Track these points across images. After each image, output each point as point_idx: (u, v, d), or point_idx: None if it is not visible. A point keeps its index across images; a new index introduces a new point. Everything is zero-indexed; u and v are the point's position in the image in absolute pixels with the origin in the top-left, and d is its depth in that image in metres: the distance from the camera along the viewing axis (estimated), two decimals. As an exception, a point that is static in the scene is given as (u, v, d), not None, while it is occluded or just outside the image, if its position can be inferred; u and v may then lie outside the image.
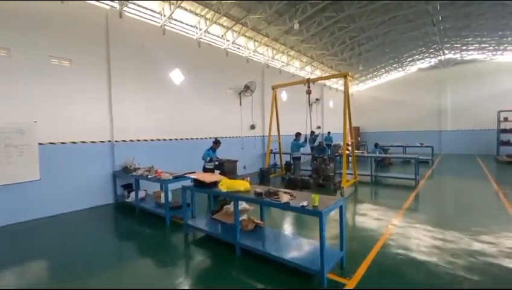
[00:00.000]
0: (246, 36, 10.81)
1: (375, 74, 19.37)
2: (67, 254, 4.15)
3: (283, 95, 13.76)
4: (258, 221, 4.17)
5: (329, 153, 9.50)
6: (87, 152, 6.71)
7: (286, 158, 11.43)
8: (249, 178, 4.36)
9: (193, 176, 4.60)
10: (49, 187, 6.06)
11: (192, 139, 9.25)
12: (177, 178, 5.36)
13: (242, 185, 3.92)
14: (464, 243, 4.08)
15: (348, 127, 8.26)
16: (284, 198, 3.19)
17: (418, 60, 17.50)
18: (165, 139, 8.42)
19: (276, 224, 5.22)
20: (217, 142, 7.05)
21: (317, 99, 16.39)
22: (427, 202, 6.74)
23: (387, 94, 20.41)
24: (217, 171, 7.23)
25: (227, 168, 6.90)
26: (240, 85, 10.87)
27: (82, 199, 6.56)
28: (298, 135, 8.74)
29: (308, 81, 8.78)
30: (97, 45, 6.83)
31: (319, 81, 17.24)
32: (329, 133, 15.39)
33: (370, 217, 5.51)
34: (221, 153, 10.11)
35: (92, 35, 6.73)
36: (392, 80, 20.32)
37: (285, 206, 3.18)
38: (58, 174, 6.23)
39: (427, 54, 16.55)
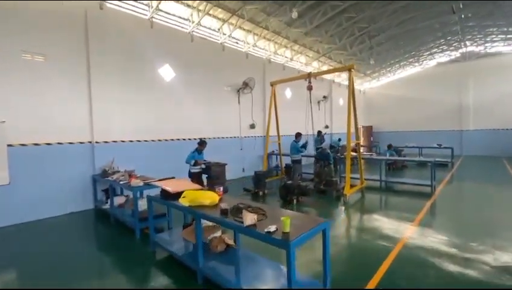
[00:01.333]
0: (244, 29, 10.09)
1: (388, 69, 18.12)
2: (15, 267, 3.61)
3: (287, 92, 12.95)
4: (230, 241, 3.44)
5: (331, 157, 8.62)
6: (64, 154, 6.23)
7: (288, 160, 10.64)
8: (221, 188, 3.65)
9: (159, 183, 3.94)
10: (20, 193, 5.62)
11: (184, 140, 8.64)
12: (148, 185, 4.72)
13: (208, 197, 3.22)
14: (492, 275, 3.18)
15: (352, 125, 7.33)
16: (248, 219, 2.45)
17: (437, 53, 16.13)
18: (153, 140, 7.86)
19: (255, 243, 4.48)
20: (202, 143, 6.39)
21: (324, 97, 15.43)
22: (444, 214, 5.76)
23: (402, 91, 19.07)
24: (204, 176, 6.63)
25: (214, 173, 6.22)
26: (238, 82, 10.17)
27: (58, 205, 6.09)
28: (298, 135, 7.93)
29: (309, 75, 7.94)
30: (75, 39, 6.33)
31: (327, 78, 16.34)
32: (339, 139, 14.40)
33: (374, 234, 4.64)
34: (218, 155, 9.46)
35: (69, 28, 6.24)
36: (407, 76, 18.97)
37: (246, 231, 2.44)
38: (31, 178, 5.78)
39: (446, 47, 15.19)
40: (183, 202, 3.22)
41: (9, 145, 5.52)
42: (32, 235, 5.05)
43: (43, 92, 5.94)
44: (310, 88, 7.91)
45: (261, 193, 7.32)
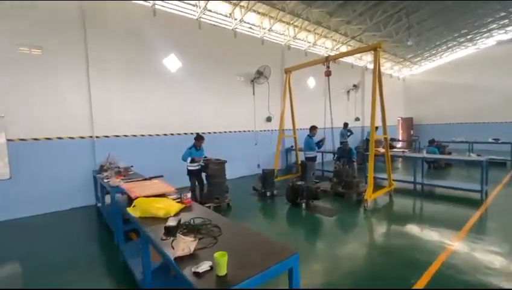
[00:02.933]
0: (257, 12, 9.20)
1: (433, 52, 15.70)
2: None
3: (310, 82, 11.80)
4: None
5: (354, 153, 7.45)
6: (65, 149, 6.13)
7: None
8: (188, 194, 2.98)
9: (126, 186, 3.41)
10: (21, 187, 5.61)
11: (192, 134, 8.15)
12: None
13: (162, 208, 2.56)
14: None
15: (376, 116, 6.14)
16: (180, 247, 1.74)
17: (497, 29, 13.45)
18: (158, 135, 7.51)
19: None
20: (198, 138, 5.80)
21: (355, 86, 13.87)
22: (497, 230, 4.42)
23: (450, 77, 16.49)
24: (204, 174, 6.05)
25: (211, 171, 5.59)
26: (252, 71, 9.37)
27: (58, 200, 6.02)
28: (313, 129, 6.93)
29: (327, 59, 6.86)
30: (72, 29, 6.11)
31: (359, 65, 14.68)
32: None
33: (394, 255, 3.62)
34: (229, 151, 8.91)
35: (65, 18, 6.02)
36: (457, 60, 16.31)
37: (174, 266, 1.72)
38: (31, 173, 5.75)
39: (508, 21, 12.53)
40: (132, 212, 2.62)
41: (9, 140, 5.52)
42: (27, 231, 4.96)
43: (41, 86, 5.83)
44: (328, 74, 6.86)
45: (268, 194, 6.54)
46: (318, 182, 7.44)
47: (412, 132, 18.01)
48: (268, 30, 9.67)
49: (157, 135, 7.49)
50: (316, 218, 5.09)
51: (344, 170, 6.76)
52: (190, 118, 8.10)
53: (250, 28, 9.49)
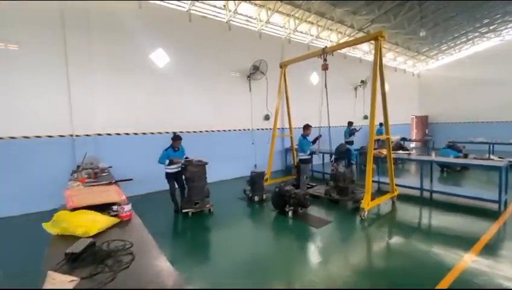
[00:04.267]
0: (254, 4, 8.63)
1: (451, 44, 14.51)
2: None
3: (313, 78, 11.11)
4: None
5: (353, 154, 6.77)
6: (43, 148, 5.87)
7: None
8: (126, 207, 2.52)
9: (68, 192, 3.00)
10: (-5, 187, 5.40)
11: (181, 132, 7.75)
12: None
13: (81, 226, 2.11)
14: None
15: (375, 114, 5.47)
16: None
17: (523, 18, 12.16)
18: (144, 134, 7.15)
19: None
20: (176, 139, 5.34)
21: (362, 82, 13.01)
22: (517, 251, 3.69)
23: (469, 72, 15.21)
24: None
25: (190, 174, 5.12)
26: (249, 67, 8.84)
27: (36, 201, 5.76)
28: (306, 128, 6.32)
29: (323, 51, 6.22)
30: (50, 21, 5.82)
31: (368, 59, 13.78)
32: (381, 124, 12.01)
33: (389, 284, 3.01)
34: (224, 150, 8.47)
35: (42, 10, 5.72)
36: (479, 53, 15.00)
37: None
38: (7, 173, 5.52)
39: (538, 8, 11.25)
40: (48, 228, 2.18)
41: (-17, 139, 5.32)
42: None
43: (19, 82, 5.58)
44: (325, 68, 6.22)
45: (256, 198, 6.02)
46: (313, 187, 6.86)
47: (426, 131, 16.86)
48: (266, 22, 9.08)
49: (143, 133, 7.13)
50: (302, 229, 4.52)
51: (341, 174, 6.12)
52: (181, 116, 7.70)
53: (247, 20, 8.94)
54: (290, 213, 4.94)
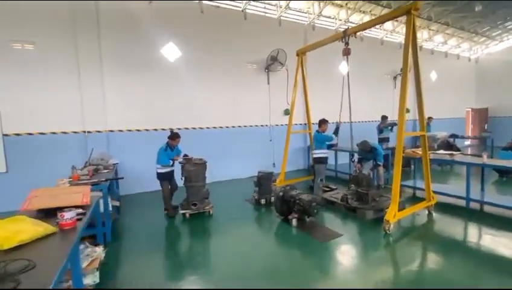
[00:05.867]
0: (272, -12, 7.94)
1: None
2: None
3: (342, 67, 9.99)
4: None
5: (381, 154, 5.75)
6: (59, 144, 6.07)
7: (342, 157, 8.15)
8: (67, 214, 2.19)
9: (32, 193, 2.81)
10: (17, 181, 5.69)
11: (194, 129, 7.53)
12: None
13: (3, 236, 1.81)
14: None
15: (405, 105, 4.48)
16: None
17: None
18: (156, 130, 7.04)
19: None
20: (174, 137, 4.96)
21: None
22: None
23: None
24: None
25: (187, 174, 4.75)
26: (266, 57, 8.22)
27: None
28: (323, 123, 5.52)
29: (345, 34, 5.33)
30: (62, 21, 5.92)
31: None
32: (429, 119, 10.44)
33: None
34: (240, 147, 8.06)
35: (54, 9, 5.85)
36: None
37: None
38: (27, 167, 5.80)
39: None
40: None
41: (4, 135, 5.64)
42: None
43: (35, 80, 5.80)
44: (346, 52, 5.35)
45: (263, 201, 5.45)
46: (332, 190, 6.04)
47: (485, 127, 14.34)
48: (286, 8, 8.31)
49: (155, 129, 7.01)
50: (302, 242, 3.83)
51: (363, 176, 5.22)
52: (193, 112, 7.44)
53: (265, 7, 8.29)
54: (294, 222, 4.28)
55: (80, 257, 2.63)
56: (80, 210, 2.57)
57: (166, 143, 4.93)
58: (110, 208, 4.77)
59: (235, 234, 4.17)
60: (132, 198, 6.39)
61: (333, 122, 5.80)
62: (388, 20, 5.27)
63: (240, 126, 8.22)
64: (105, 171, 5.08)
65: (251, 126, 8.43)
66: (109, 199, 4.79)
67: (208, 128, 7.72)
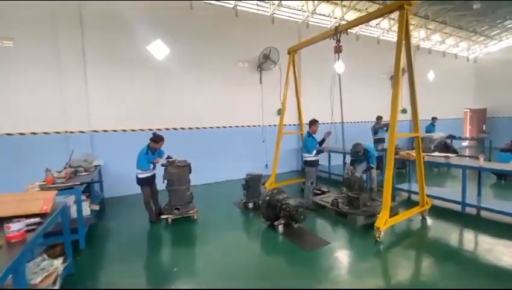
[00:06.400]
0: (264, -16, 7.72)
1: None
2: None
3: (338, 66, 9.76)
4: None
5: (374, 156, 5.52)
6: (40, 145, 5.83)
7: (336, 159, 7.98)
8: (13, 225, 1.96)
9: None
10: (-5, 183, 5.46)
11: (183, 129, 7.30)
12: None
13: None
14: None
15: (398, 105, 4.28)
16: None
17: None
18: (142, 130, 6.80)
19: None
20: (157, 140, 4.65)
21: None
22: None
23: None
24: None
25: (170, 176, 4.52)
26: (258, 56, 7.99)
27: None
28: (312, 124, 5.30)
29: (336, 31, 5.11)
30: (43, 16, 5.68)
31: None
32: (433, 120, 10.28)
33: None
34: (231, 148, 7.85)
35: (35, 4, 5.60)
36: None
37: None
38: (4, 171, 5.55)
39: None
40: None
41: (-19, 136, 5.41)
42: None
43: (14, 79, 5.57)
44: (338, 50, 5.12)
45: (250, 205, 5.22)
46: (325, 193, 5.82)
47: (484, 128, 14.15)
48: (278, 6, 8.08)
49: (141, 130, 6.78)
50: (286, 251, 3.60)
51: (356, 179, 5.00)
52: (182, 111, 7.22)
53: (257, 5, 8.06)
54: (280, 228, 4.06)
55: (35, 271, 2.40)
56: (36, 219, 2.36)
57: (147, 146, 4.67)
58: (88, 213, 4.56)
59: (216, 242, 3.94)
60: (118, 201, 6.16)
61: (326, 123, 5.57)
62: (380, 16, 5.02)
63: (231, 126, 8.00)
64: (85, 173, 4.86)
65: (243, 126, 8.21)
66: (86, 204, 4.58)
67: (197, 128, 7.49)
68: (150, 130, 6.82)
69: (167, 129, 7.05)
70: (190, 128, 7.37)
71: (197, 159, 7.07)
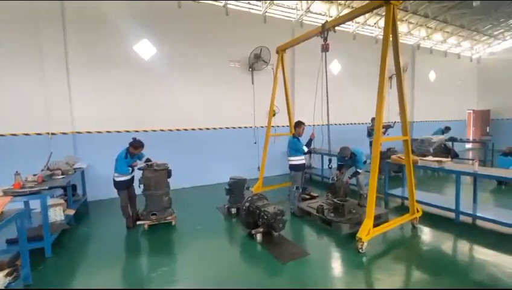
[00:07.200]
0: (255, -18, 7.51)
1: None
2: None
3: (334, 66, 9.54)
4: None
5: (361, 160, 5.25)
6: (20, 147, 5.69)
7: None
8: None
9: None
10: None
11: (170, 131, 7.12)
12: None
13: None
14: None
15: (383, 104, 4.03)
16: None
17: None
18: (128, 131, 6.63)
19: None
20: (137, 146, 4.46)
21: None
22: None
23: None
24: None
25: (146, 181, 4.33)
26: (249, 56, 7.78)
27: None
28: (297, 126, 5.07)
29: (323, 28, 4.87)
30: (24, 15, 5.56)
31: (408, 43, 11.52)
32: (446, 129, 9.95)
33: None
34: (222, 150, 7.67)
35: (18, 6, 5.49)
36: None
37: None
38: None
39: None
40: None
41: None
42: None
43: (-5, 79, 5.46)
44: (325, 48, 4.89)
45: (233, 211, 5.01)
46: (313, 197, 5.59)
47: (487, 130, 13.71)
48: (270, 4, 7.87)
49: (127, 131, 6.60)
50: (261, 263, 3.37)
51: (342, 185, 4.76)
52: (171, 112, 7.04)
53: (249, 3, 7.86)
54: (259, 237, 3.83)
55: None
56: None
57: (126, 149, 4.49)
58: (62, 218, 4.40)
59: (190, 251, 3.73)
60: (101, 204, 6.00)
61: (309, 125, 5.32)
62: (366, 12, 4.75)
63: (222, 128, 7.80)
64: (62, 177, 4.70)
65: (234, 128, 8.01)
66: (60, 208, 4.43)
67: (186, 130, 7.31)
68: (136, 131, 6.68)
69: (154, 131, 6.88)
70: (178, 129, 7.19)
71: (186, 162, 6.98)
